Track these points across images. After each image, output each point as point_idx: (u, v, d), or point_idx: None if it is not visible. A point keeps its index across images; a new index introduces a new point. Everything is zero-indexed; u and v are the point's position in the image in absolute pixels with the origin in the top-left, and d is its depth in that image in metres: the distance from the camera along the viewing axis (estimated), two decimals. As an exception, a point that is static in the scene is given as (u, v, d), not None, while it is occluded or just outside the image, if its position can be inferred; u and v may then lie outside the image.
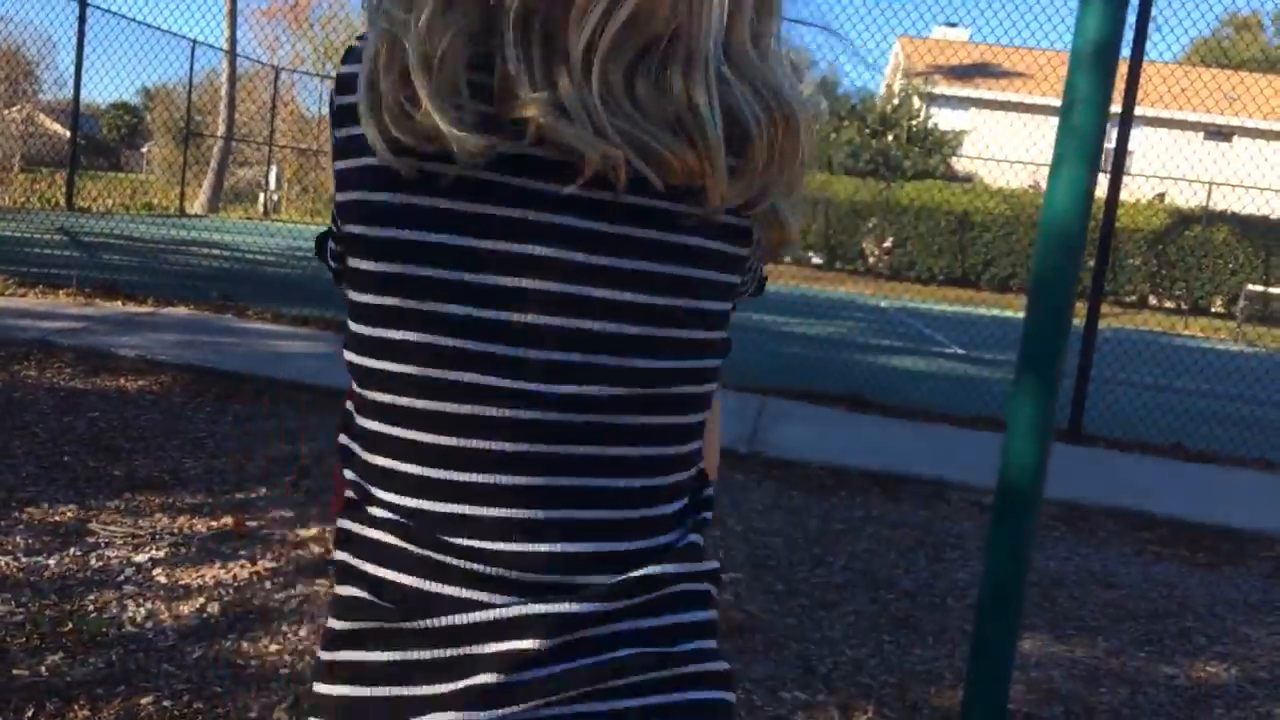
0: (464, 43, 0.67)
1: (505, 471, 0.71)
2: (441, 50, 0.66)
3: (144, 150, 31.63)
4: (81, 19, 13.94)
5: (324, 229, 0.91)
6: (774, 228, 0.77)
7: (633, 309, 0.72)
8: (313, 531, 3.51)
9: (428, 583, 0.72)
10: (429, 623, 0.71)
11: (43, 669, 2.45)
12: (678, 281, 0.73)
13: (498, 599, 0.71)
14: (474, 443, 0.71)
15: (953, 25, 29.05)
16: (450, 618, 0.71)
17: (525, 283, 0.70)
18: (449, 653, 0.71)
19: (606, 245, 0.71)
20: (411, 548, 0.72)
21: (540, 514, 0.72)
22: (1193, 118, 25.03)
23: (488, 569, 0.71)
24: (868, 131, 26.25)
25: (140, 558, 3.17)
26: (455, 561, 0.71)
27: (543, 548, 0.72)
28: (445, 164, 0.68)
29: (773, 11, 0.74)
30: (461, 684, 0.70)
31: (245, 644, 2.69)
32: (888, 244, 23.55)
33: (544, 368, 0.71)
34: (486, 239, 0.69)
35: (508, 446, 0.71)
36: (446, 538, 0.71)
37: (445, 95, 0.66)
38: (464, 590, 0.71)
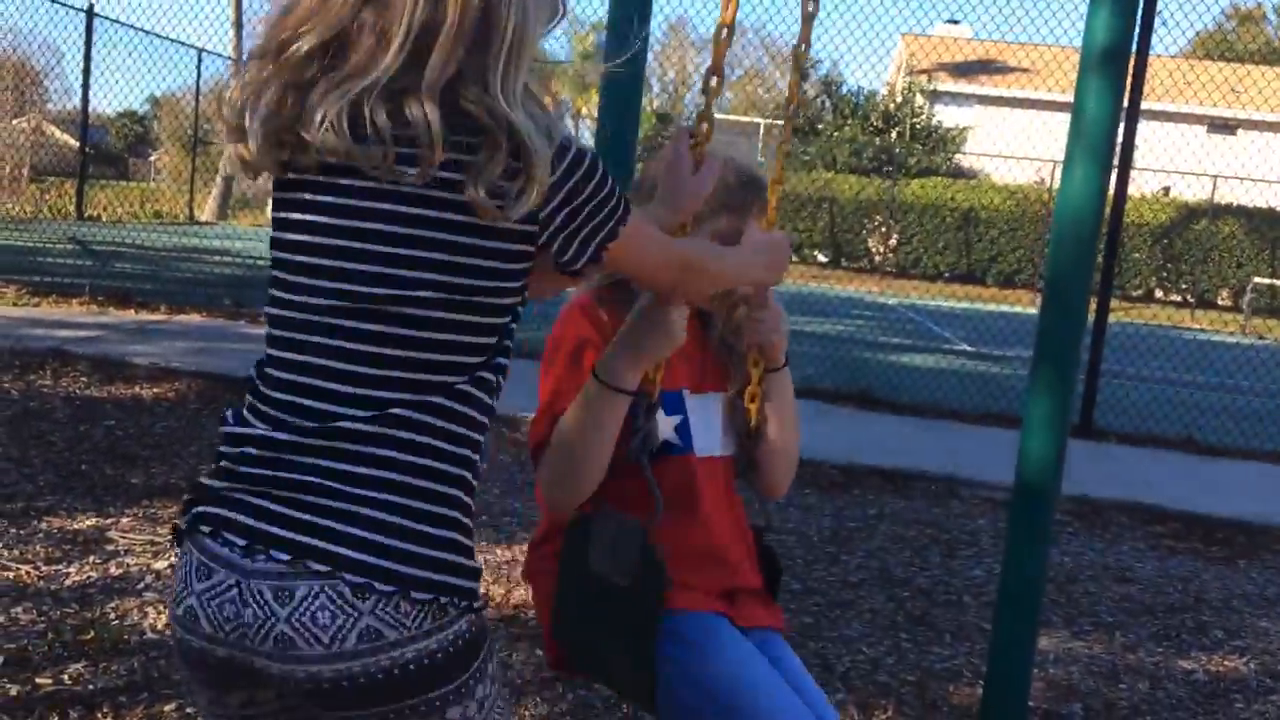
0: (278, 102, 1.08)
1: (281, 349, 1.15)
2: (266, 108, 1.09)
3: (152, 158, 31.71)
4: (89, 29, 14.01)
5: None
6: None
7: (353, 251, 1.09)
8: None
9: (244, 410, 1.17)
10: (227, 431, 1.16)
11: (65, 677, 2.47)
12: (385, 235, 1.08)
13: (258, 423, 1.14)
14: (275, 331, 1.16)
15: (955, 23, 29.02)
16: (235, 428, 1.16)
17: (300, 236, 1.12)
18: (223, 448, 1.16)
19: (339, 211, 1.10)
20: (249, 396, 1.18)
21: (296, 378, 1.12)
22: (1197, 111, 24.96)
23: (264, 408, 1.14)
24: (871, 129, 26.22)
25: (160, 565, 3.19)
26: (256, 401, 1.16)
27: (292, 399, 1.12)
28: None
29: (497, 56, 1.06)
30: (218, 465, 1.16)
31: (266, 649, 2.70)
32: (893, 241, 23.53)
33: (302, 287, 1.12)
34: (291, 213, 1.13)
35: (284, 334, 1.15)
36: (260, 388, 1.15)
37: (267, 138, 1.10)
38: (251, 416, 1.15)
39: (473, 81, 1.07)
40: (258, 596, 1.06)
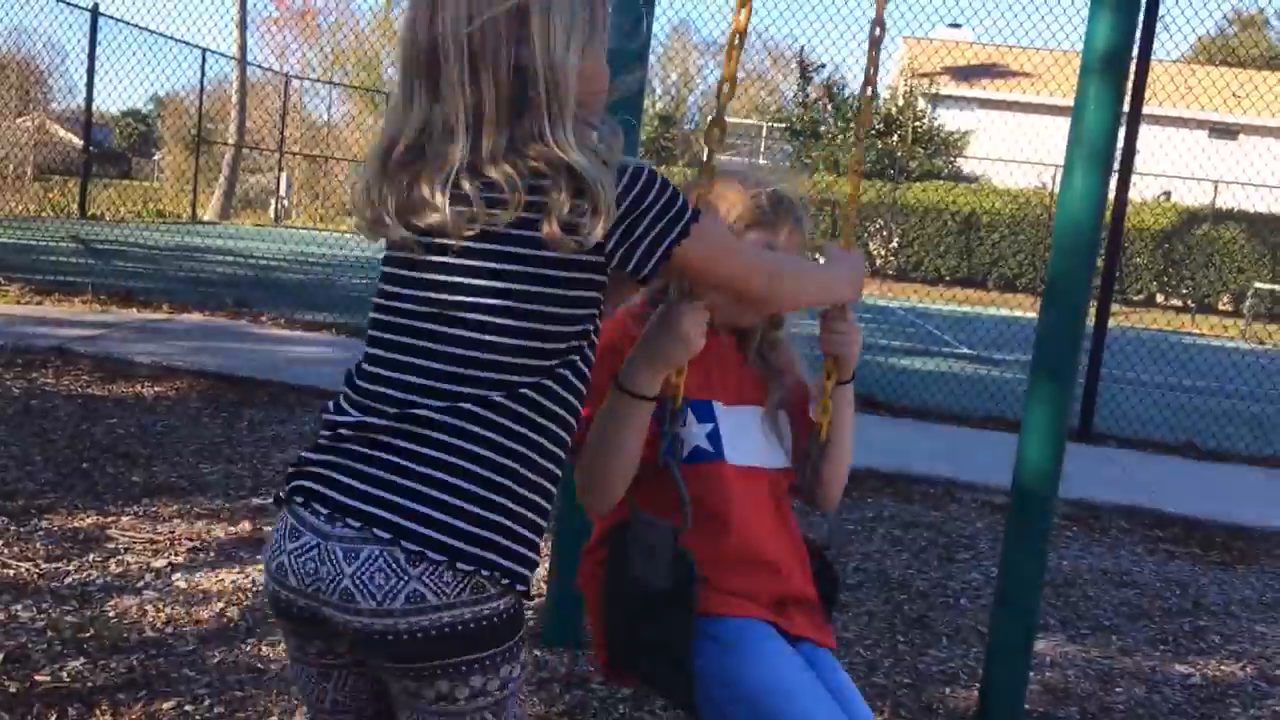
0: (385, 184, 1.31)
1: (378, 348, 1.34)
2: (382, 189, 1.30)
3: (156, 158, 31.72)
4: (93, 27, 14.03)
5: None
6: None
7: (442, 265, 1.28)
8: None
9: (340, 399, 1.37)
10: (326, 418, 1.36)
11: (64, 675, 2.47)
12: (467, 251, 1.27)
13: (352, 410, 1.33)
14: (374, 333, 1.36)
15: (956, 26, 29.00)
16: (333, 416, 1.35)
17: (402, 254, 1.32)
18: (322, 430, 1.35)
19: (436, 249, 1.29)
20: (346, 388, 1.37)
21: (387, 373, 1.32)
22: (1198, 115, 24.94)
23: (358, 398, 1.34)
24: (873, 133, 26.21)
25: (159, 563, 3.20)
26: (351, 393, 1.35)
27: (382, 390, 1.31)
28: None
29: (541, 107, 1.24)
30: (315, 444, 1.35)
31: (265, 648, 2.71)
32: (894, 244, 23.54)
33: (400, 296, 1.32)
34: (398, 251, 1.33)
35: (381, 335, 1.34)
36: (357, 381, 1.36)
37: (365, 218, 1.33)
38: (345, 405, 1.35)
39: (531, 138, 1.25)
40: (332, 556, 1.25)
